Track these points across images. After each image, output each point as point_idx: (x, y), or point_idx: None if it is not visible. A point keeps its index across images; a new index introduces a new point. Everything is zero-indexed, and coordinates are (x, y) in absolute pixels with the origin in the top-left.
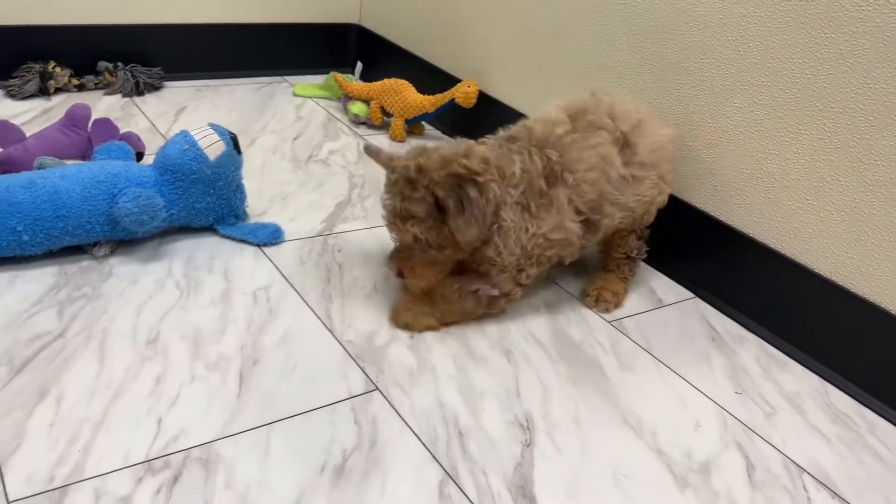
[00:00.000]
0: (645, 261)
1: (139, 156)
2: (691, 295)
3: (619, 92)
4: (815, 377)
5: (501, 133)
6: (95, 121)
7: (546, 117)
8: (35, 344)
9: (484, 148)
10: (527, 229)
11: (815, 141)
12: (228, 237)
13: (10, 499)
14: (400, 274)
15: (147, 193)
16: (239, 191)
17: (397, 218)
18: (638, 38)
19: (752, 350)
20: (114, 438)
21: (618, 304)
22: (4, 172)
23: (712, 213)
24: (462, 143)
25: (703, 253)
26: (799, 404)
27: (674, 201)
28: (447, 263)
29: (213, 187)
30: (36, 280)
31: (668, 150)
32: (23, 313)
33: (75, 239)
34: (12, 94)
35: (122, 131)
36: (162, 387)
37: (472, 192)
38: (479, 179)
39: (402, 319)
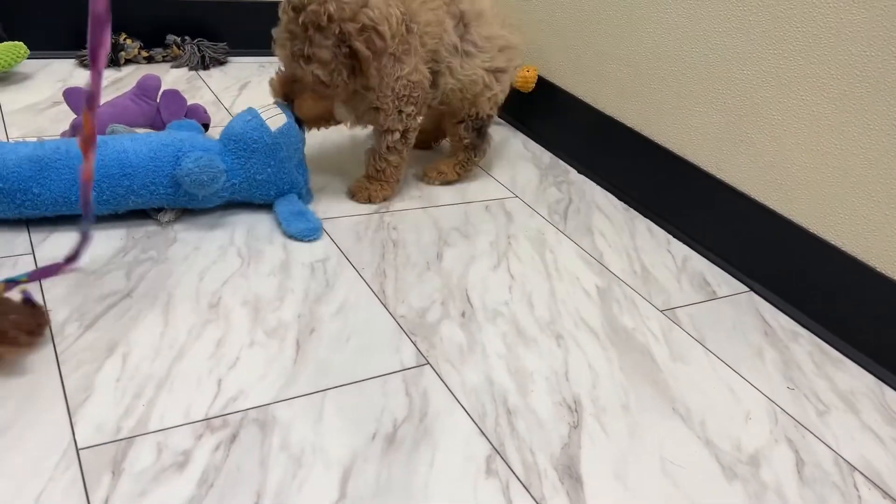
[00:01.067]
0: (700, 248)
1: (205, 127)
2: (746, 288)
3: None
4: (870, 377)
5: None
6: (164, 92)
7: None
8: (104, 302)
9: None
10: (396, 75)
11: (885, 137)
12: (278, 223)
13: (80, 446)
14: (287, 98)
15: (208, 156)
16: (300, 167)
17: (300, 59)
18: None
19: (806, 346)
20: (176, 396)
21: (441, 180)
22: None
23: (771, 206)
24: None
25: (760, 246)
26: (853, 403)
27: (731, 192)
28: (330, 99)
29: (274, 158)
30: (105, 243)
31: (503, 47)
32: (92, 273)
33: (140, 200)
34: (85, 64)
35: (188, 103)
36: (222, 350)
37: (380, 43)
38: (382, 29)
39: (365, 194)
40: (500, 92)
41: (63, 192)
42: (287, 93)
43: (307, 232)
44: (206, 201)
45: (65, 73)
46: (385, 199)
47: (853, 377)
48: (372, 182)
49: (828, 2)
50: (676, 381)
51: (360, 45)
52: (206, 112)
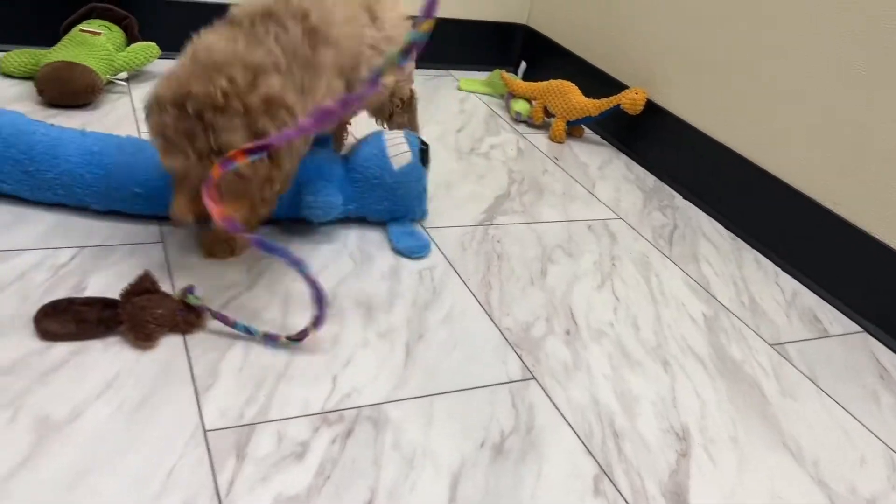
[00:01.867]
0: (810, 283)
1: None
2: (859, 328)
3: None
4: None
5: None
6: None
7: None
8: (228, 292)
9: (255, 53)
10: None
11: None
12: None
13: (207, 428)
14: (202, 218)
15: (328, 190)
16: (420, 198)
17: (212, 154)
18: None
19: None
20: (294, 388)
21: None
22: None
23: (887, 242)
24: (217, 51)
25: (876, 285)
26: None
27: (845, 226)
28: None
29: (394, 195)
30: None
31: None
32: (215, 264)
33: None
34: None
35: None
36: (337, 348)
37: (291, 119)
38: (289, 101)
39: (210, 251)
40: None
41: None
42: (199, 212)
43: (416, 249)
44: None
45: None
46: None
47: None
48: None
49: None
50: (787, 418)
51: (269, 125)
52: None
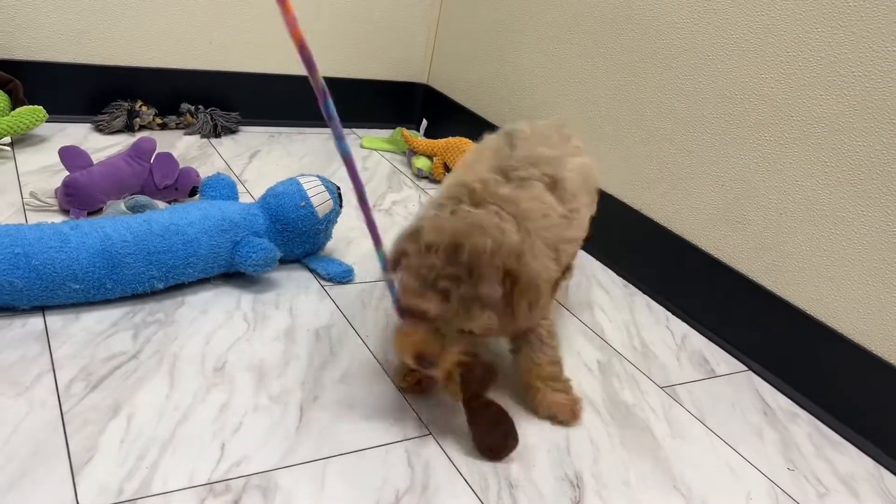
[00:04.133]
0: (698, 326)
1: (193, 190)
2: (744, 367)
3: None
4: (869, 460)
5: (436, 199)
6: (158, 154)
7: (478, 175)
8: (111, 363)
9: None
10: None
11: (882, 224)
12: (307, 266)
13: None
14: (428, 358)
15: (268, 246)
16: (328, 235)
17: (472, 305)
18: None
19: (805, 427)
20: (179, 459)
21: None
22: (69, 196)
23: (769, 287)
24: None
25: (758, 326)
26: (853, 487)
27: (728, 272)
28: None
29: (315, 238)
30: (114, 304)
31: (589, 175)
32: (100, 333)
33: (191, 276)
34: (100, 129)
35: (184, 167)
36: (226, 414)
37: (536, 298)
38: (542, 286)
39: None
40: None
41: (132, 284)
42: (433, 353)
43: (344, 274)
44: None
45: (80, 136)
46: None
47: (853, 460)
48: (560, 392)
49: (821, 95)
50: (677, 459)
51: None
52: (197, 175)
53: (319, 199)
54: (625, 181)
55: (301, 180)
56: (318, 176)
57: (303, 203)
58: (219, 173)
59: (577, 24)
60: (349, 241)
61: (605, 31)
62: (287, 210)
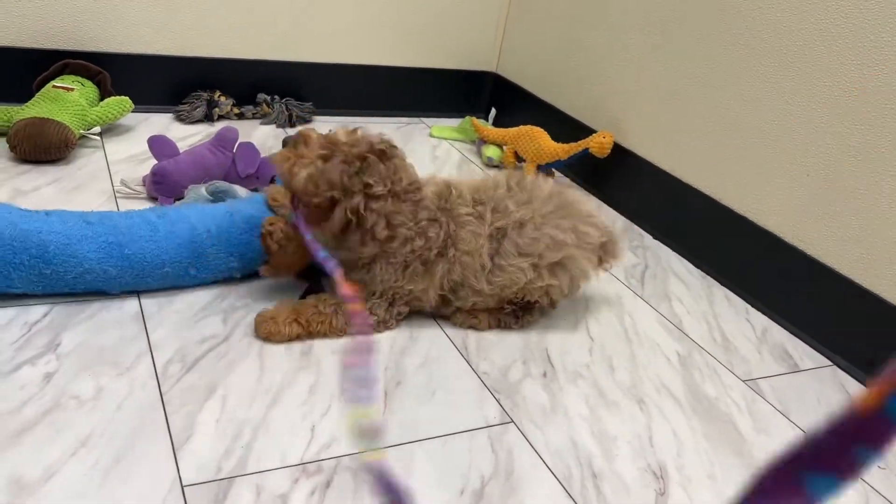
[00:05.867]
0: (780, 319)
1: (272, 179)
2: (829, 362)
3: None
4: None
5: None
6: (240, 144)
7: (493, 180)
8: (204, 345)
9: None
10: (396, 280)
11: None
12: None
13: (184, 483)
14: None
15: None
16: None
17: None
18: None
19: None
20: (272, 439)
21: (468, 325)
22: (157, 184)
23: (857, 280)
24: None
25: (844, 320)
26: None
27: (816, 265)
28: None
29: None
30: (204, 289)
31: (557, 243)
32: (192, 317)
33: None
34: (181, 119)
35: (265, 156)
36: (315, 396)
37: (384, 234)
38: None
39: (265, 329)
40: (559, 286)
41: (213, 272)
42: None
43: None
44: None
45: (162, 125)
46: (293, 340)
47: None
48: (279, 314)
49: None
50: (762, 453)
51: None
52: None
53: None
54: (703, 170)
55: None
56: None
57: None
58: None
59: (653, 9)
60: None
61: (682, 18)
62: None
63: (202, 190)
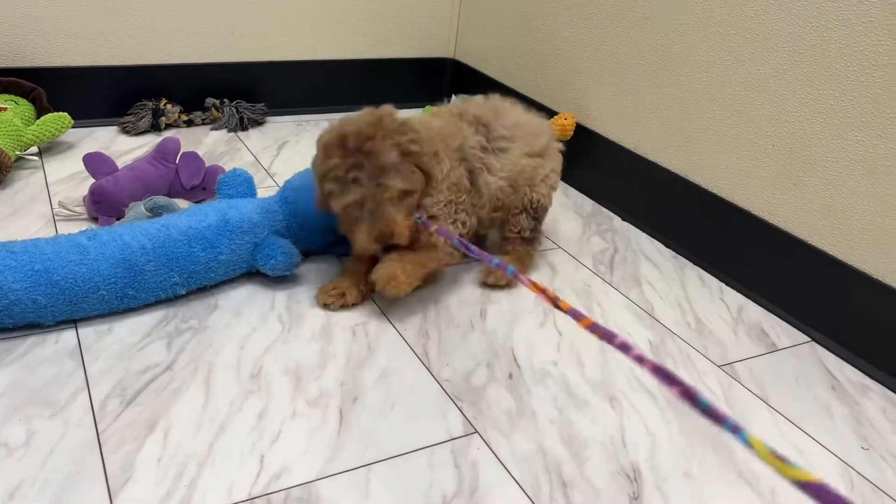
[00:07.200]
0: (755, 296)
1: None
2: (807, 338)
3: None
4: None
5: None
6: (183, 154)
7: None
8: (145, 375)
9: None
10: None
11: None
12: (336, 256)
13: None
14: (384, 246)
15: (289, 249)
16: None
17: (383, 176)
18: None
19: (878, 401)
20: (218, 474)
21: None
22: (96, 203)
23: (831, 252)
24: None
25: (820, 293)
26: None
27: (788, 238)
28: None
29: (336, 230)
30: (146, 312)
31: (536, 132)
32: (134, 345)
33: (213, 282)
34: (126, 131)
35: (210, 165)
36: (264, 422)
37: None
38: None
39: (392, 288)
40: (552, 172)
41: (154, 291)
42: (385, 231)
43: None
44: None
45: (107, 139)
46: (406, 291)
47: None
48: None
49: (879, 39)
50: (741, 445)
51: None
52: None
53: None
54: (668, 146)
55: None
56: None
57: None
58: (235, 169)
59: None
60: None
61: None
62: (306, 204)
63: (141, 207)
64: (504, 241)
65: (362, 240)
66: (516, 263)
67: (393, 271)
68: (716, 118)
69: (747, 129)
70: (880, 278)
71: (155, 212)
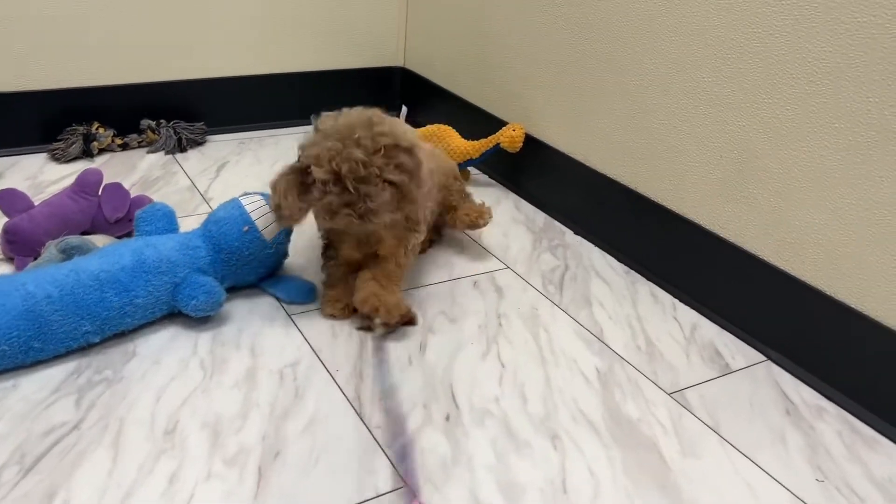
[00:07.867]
0: (709, 313)
1: None
2: (762, 357)
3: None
4: None
5: None
6: (106, 186)
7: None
8: (49, 438)
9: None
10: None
11: None
12: (266, 291)
13: None
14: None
15: (211, 288)
16: (283, 254)
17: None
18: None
19: (834, 424)
20: None
21: (484, 221)
22: (10, 243)
23: (782, 267)
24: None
25: (773, 310)
26: (892, 492)
27: (738, 252)
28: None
29: (265, 262)
30: (57, 364)
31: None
32: (40, 403)
33: (131, 328)
34: (57, 158)
35: (136, 196)
36: (175, 486)
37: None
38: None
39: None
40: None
41: (64, 341)
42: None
43: (306, 294)
44: None
45: (36, 167)
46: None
47: (889, 458)
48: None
49: (823, 46)
50: (688, 482)
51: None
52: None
53: (265, 222)
54: (616, 158)
55: (243, 202)
56: (262, 194)
57: (246, 228)
58: (154, 203)
59: None
60: (314, 250)
61: None
62: (230, 238)
63: (53, 249)
64: (452, 219)
65: (348, 253)
66: (477, 218)
67: (376, 294)
68: (662, 127)
69: (693, 138)
70: (833, 294)
71: (67, 253)
